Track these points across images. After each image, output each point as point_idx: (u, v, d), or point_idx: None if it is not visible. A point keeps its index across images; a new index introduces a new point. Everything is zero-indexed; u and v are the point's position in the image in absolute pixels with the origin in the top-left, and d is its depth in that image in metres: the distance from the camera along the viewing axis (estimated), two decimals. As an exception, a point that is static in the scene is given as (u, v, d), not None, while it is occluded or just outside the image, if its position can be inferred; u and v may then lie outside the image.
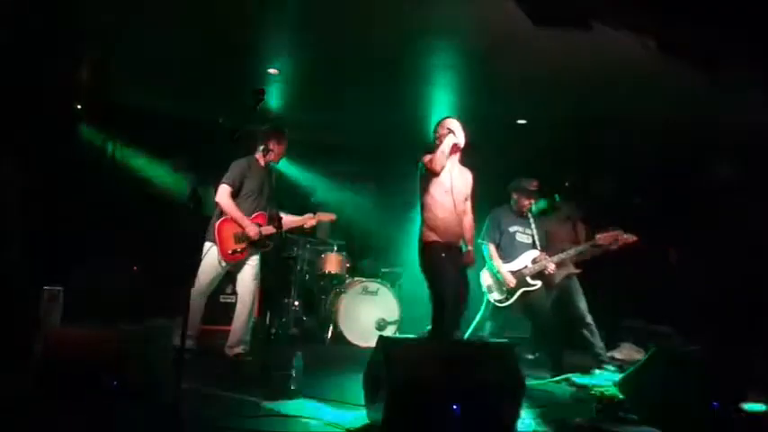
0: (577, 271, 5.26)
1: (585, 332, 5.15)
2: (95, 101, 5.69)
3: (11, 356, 3.69)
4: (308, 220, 4.75)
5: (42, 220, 4.96)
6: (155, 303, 4.52)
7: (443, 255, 4.14)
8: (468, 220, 4.41)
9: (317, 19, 4.47)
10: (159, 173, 6.46)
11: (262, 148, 4.60)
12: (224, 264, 4.45)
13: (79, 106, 5.54)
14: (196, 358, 4.26)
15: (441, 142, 4.17)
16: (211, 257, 4.40)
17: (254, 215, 4.52)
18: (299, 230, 5.78)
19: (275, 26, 4.69)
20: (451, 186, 4.22)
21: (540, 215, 5.46)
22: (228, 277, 4.68)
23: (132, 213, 6.11)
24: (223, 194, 4.40)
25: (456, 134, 4.16)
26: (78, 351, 2.86)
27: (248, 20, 4.50)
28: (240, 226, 4.42)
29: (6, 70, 4.98)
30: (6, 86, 5.05)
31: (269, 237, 4.56)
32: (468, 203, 4.42)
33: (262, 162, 4.62)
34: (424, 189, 4.27)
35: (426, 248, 4.21)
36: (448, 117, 4.32)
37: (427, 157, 4.21)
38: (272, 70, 5.45)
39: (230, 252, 4.42)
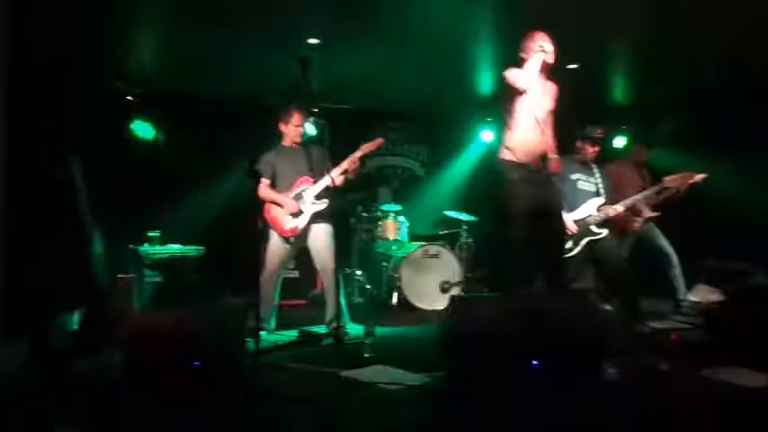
0: (655, 214, 5.09)
1: (673, 274, 5.06)
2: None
3: (95, 344, 3.84)
4: (358, 154, 4.46)
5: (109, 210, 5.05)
6: (227, 284, 4.61)
7: (515, 175, 3.90)
8: (549, 133, 4.06)
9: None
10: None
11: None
12: (290, 240, 4.44)
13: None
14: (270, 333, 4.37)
15: (528, 57, 3.87)
16: (274, 241, 4.46)
17: (297, 181, 4.48)
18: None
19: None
20: (536, 104, 3.92)
21: (608, 162, 5.25)
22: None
23: (197, 196, 6.24)
24: (261, 190, 4.33)
25: (546, 51, 3.83)
26: (157, 334, 2.93)
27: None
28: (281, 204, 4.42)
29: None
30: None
31: (318, 196, 4.45)
32: (551, 118, 4.08)
33: (287, 144, 4.55)
34: (507, 107, 3.96)
35: (500, 167, 3.98)
36: (538, 31, 3.91)
37: (511, 73, 3.87)
38: (312, 40, 5.32)
39: (288, 228, 4.44)
